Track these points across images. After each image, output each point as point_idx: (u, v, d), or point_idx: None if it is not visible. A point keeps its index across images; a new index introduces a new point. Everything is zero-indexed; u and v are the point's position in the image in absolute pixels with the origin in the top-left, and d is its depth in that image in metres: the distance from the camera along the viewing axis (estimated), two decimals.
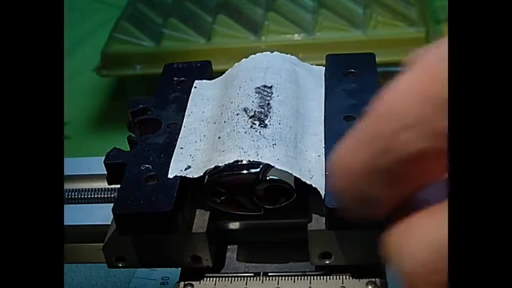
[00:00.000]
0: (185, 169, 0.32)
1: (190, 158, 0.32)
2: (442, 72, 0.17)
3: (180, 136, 0.34)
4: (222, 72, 0.38)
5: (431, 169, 0.18)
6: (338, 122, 0.33)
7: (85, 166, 0.43)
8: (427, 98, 0.17)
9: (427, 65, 0.18)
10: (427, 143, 0.17)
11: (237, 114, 0.33)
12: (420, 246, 0.18)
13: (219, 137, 0.32)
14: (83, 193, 0.41)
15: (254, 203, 0.31)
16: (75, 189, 0.41)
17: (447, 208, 0.17)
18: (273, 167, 0.30)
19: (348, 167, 0.19)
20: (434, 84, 0.17)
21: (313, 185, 0.30)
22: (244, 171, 0.30)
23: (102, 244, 0.33)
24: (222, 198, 0.31)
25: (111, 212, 0.30)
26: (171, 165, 0.32)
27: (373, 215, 0.20)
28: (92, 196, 0.41)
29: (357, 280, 0.31)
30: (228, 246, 0.34)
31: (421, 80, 0.17)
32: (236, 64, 0.37)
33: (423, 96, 0.17)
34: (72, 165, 0.41)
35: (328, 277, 0.31)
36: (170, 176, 0.31)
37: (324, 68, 0.38)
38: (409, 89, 0.17)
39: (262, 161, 0.30)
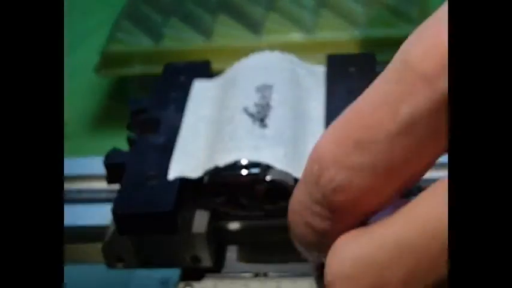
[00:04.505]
0: (185, 169, 0.32)
1: (190, 158, 0.32)
2: (358, 118, 0.20)
3: (180, 136, 0.34)
4: (222, 72, 0.38)
5: (364, 202, 0.20)
6: None
7: (85, 166, 0.43)
8: (340, 140, 0.20)
9: (351, 110, 0.20)
10: (343, 178, 0.20)
11: (237, 114, 0.33)
12: (341, 261, 0.20)
13: (219, 137, 0.32)
14: (82, 193, 0.41)
15: (254, 203, 0.31)
16: (75, 189, 0.41)
17: (378, 228, 0.19)
18: (273, 167, 0.30)
19: (297, 199, 0.22)
20: (348, 129, 0.20)
21: None
22: (244, 171, 0.30)
23: (102, 244, 0.33)
24: (222, 198, 0.31)
25: (111, 212, 0.30)
26: (171, 165, 0.32)
27: (323, 245, 0.21)
28: (92, 196, 0.40)
29: None
30: (228, 246, 0.34)
31: (340, 125, 0.20)
32: (236, 64, 0.37)
33: (337, 139, 0.20)
34: (72, 165, 0.41)
35: None
36: (170, 177, 0.31)
37: (324, 68, 0.38)
38: (330, 133, 0.20)
39: (262, 161, 0.30)
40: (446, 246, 0.18)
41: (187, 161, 0.32)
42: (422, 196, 0.19)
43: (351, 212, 0.20)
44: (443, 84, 0.18)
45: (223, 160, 0.31)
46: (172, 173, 0.31)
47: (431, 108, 0.18)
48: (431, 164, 0.20)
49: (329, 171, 0.20)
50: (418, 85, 0.18)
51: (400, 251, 0.18)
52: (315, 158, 0.21)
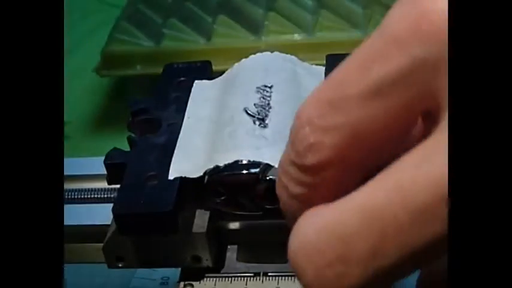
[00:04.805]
0: (185, 169, 0.32)
1: (190, 158, 0.32)
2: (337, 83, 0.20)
3: (180, 136, 0.34)
4: (222, 72, 0.38)
5: (335, 168, 0.20)
6: None
7: (85, 166, 0.43)
8: (316, 100, 0.20)
9: (331, 73, 0.20)
10: (315, 136, 0.20)
11: (237, 114, 0.33)
12: (304, 233, 0.19)
13: (219, 137, 0.32)
14: (83, 193, 0.41)
15: (254, 203, 0.31)
16: (75, 189, 0.41)
17: (343, 199, 0.19)
18: (273, 167, 0.30)
19: (279, 163, 0.22)
20: (324, 89, 0.20)
21: None
22: (244, 171, 0.30)
23: (102, 244, 0.33)
24: (222, 198, 0.31)
25: (111, 212, 0.30)
26: (171, 165, 0.32)
27: (295, 211, 0.21)
28: (92, 196, 0.40)
29: None
30: (228, 246, 0.34)
31: (319, 87, 0.20)
32: (236, 64, 0.37)
33: (314, 99, 0.20)
34: (72, 165, 0.41)
35: None
36: (171, 177, 0.31)
37: (324, 68, 0.38)
38: (310, 95, 0.21)
39: (262, 161, 0.30)
40: (415, 216, 0.17)
41: (188, 161, 0.32)
42: (389, 167, 0.18)
43: (323, 177, 0.20)
44: (415, 48, 0.18)
45: (223, 160, 0.31)
46: (173, 173, 0.31)
47: (402, 73, 0.18)
48: (403, 139, 0.20)
49: (304, 130, 0.20)
50: (391, 48, 0.19)
51: (366, 220, 0.18)
52: (295, 119, 0.21)
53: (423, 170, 0.17)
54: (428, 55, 0.18)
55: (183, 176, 0.31)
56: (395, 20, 0.19)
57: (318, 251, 0.19)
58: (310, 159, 0.20)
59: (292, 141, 0.21)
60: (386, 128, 0.19)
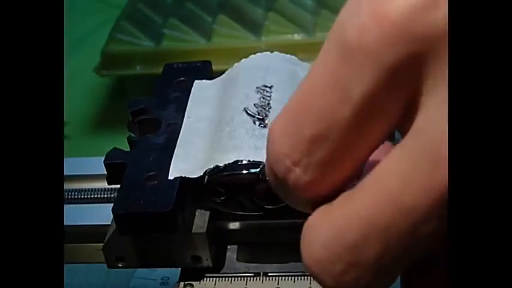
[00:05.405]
0: (185, 169, 0.32)
1: (190, 158, 0.32)
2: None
3: (180, 136, 0.34)
4: (222, 72, 0.38)
5: (328, 183, 0.20)
6: None
7: (85, 166, 0.43)
8: (293, 135, 0.20)
9: (300, 98, 0.20)
10: (301, 175, 0.20)
11: (237, 114, 0.33)
12: (313, 244, 0.20)
13: (219, 137, 0.32)
14: (83, 193, 0.41)
15: (254, 203, 0.31)
16: (75, 189, 0.41)
17: (349, 203, 0.19)
18: None
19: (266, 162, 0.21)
20: (300, 122, 0.19)
21: None
22: (244, 171, 0.30)
23: (102, 244, 0.33)
24: (222, 198, 0.31)
25: (111, 212, 0.30)
26: (171, 165, 0.32)
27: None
28: (92, 196, 0.41)
29: None
30: (228, 246, 0.34)
31: (292, 117, 0.20)
32: (236, 64, 0.37)
33: (290, 134, 0.20)
34: (72, 165, 0.41)
35: None
36: (171, 177, 0.31)
37: None
38: (282, 124, 0.20)
39: (262, 160, 0.30)
40: (418, 224, 0.17)
41: (188, 161, 0.32)
42: (387, 160, 0.18)
43: (316, 191, 0.20)
44: (388, 57, 0.17)
45: (223, 160, 0.31)
46: (173, 173, 0.31)
47: (381, 84, 0.18)
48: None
49: (282, 164, 0.20)
50: (363, 62, 0.18)
51: (367, 231, 0.18)
52: (271, 149, 0.20)
53: (410, 176, 0.17)
54: (402, 56, 0.17)
55: (183, 176, 0.31)
56: (356, 30, 0.18)
57: (331, 263, 0.19)
58: (292, 184, 0.20)
59: (269, 167, 0.20)
60: (374, 136, 0.19)
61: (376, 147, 0.20)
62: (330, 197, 0.20)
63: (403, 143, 0.18)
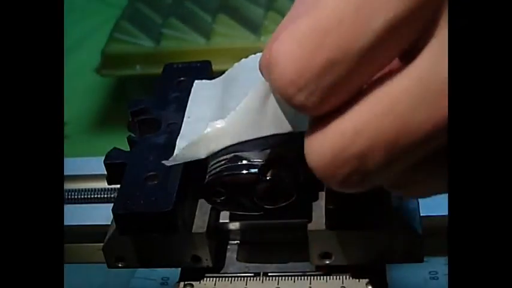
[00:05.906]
0: (187, 154, 0.30)
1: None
2: None
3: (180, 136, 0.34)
4: (222, 72, 0.38)
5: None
6: None
7: (85, 166, 0.43)
8: (307, 58, 0.20)
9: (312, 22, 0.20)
10: (310, 98, 0.20)
11: None
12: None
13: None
14: (83, 193, 0.41)
15: (254, 203, 0.31)
16: (75, 189, 0.41)
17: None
18: (273, 167, 0.30)
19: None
20: (316, 46, 0.19)
21: None
22: (244, 171, 0.30)
23: (102, 244, 0.33)
24: (222, 198, 0.31)
25: (111, 212, 0.30)
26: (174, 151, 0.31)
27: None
28: (92, 196, 0.41)
29: (357, 280, 0.31)
30: (228, 246, 0.34)
31: (306, 40, 0.20)
32: (236, 64, 0.37)
33: (304, 57, 0.20)
34: (72, 165, 0.41)
35: (328, 277, 0.31)
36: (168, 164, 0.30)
37: None
38: (294, 46, 0.20)
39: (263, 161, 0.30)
40: (425, 140, 0.19)
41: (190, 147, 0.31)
42: (396, 80, 0.19)
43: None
44: None
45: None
46: (175, 158, 0.30)
47: (405, 15, 0.18)
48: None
49: (292, 95, 0.20)
50: None
51: (376, 143, 0.19)
52: (274, 71, 0.20)
53: (420, 96, 0.18)
54: None
55: (186, 160, 0.30)
56: None
57: (336, 167, 0.20)
58: (299, 102, 0.20)
59: (276, 88, 0.21)
60: (382, 68, 0.20)
61: (383, 68, 0.20)
62: (333, 112, 0.21)
63: (415, 64, 0.19)
